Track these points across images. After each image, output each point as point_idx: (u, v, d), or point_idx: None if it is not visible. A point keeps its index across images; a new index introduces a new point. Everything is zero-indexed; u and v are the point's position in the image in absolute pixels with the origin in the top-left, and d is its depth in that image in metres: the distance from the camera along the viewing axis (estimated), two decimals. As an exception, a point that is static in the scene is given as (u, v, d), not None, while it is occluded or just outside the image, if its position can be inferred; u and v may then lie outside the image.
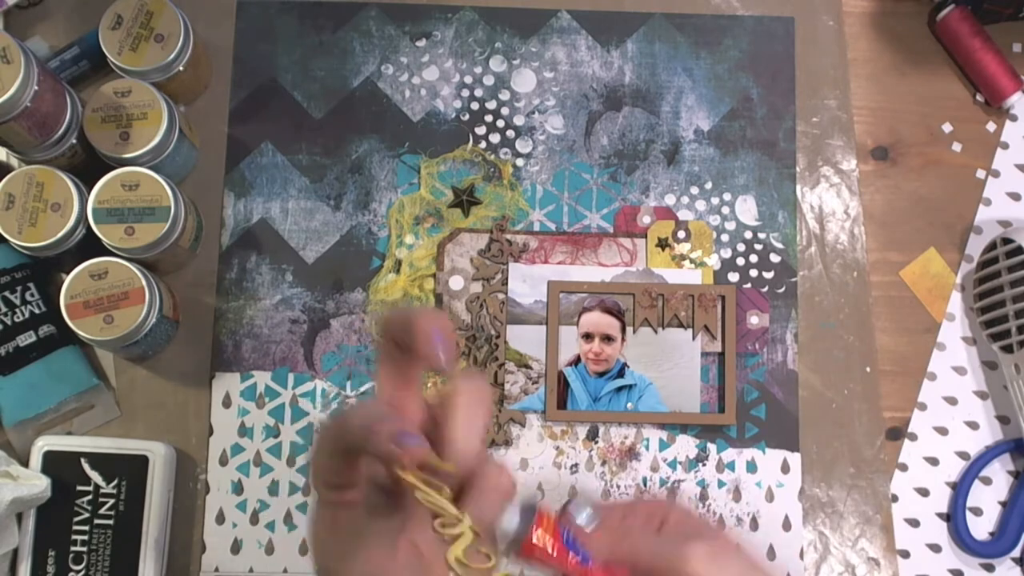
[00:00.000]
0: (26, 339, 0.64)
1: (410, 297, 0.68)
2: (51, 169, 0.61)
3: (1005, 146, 0.71)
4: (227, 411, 0.66)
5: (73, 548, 0.62)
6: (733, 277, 0.69)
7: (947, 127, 0.71)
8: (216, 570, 0.65)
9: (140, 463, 0.63)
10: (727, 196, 0.70)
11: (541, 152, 0.70)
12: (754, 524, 0.66)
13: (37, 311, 0.64)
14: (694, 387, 0.67)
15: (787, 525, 0.66)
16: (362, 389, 0.67)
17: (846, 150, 0.70)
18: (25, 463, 0.63)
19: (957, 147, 0.71)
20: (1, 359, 0.63)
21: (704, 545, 0.41)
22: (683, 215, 0.69)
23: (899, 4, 0.73)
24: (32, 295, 0.64)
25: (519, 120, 0.70)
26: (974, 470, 0.66)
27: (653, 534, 0.44)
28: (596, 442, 0.66)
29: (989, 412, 0.68)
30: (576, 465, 0.66)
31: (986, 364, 0.68)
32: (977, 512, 0.66)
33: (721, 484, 0.66)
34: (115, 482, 0.63)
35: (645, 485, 0.66)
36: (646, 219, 0.69)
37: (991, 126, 0.71)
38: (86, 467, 0.63)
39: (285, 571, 0.65)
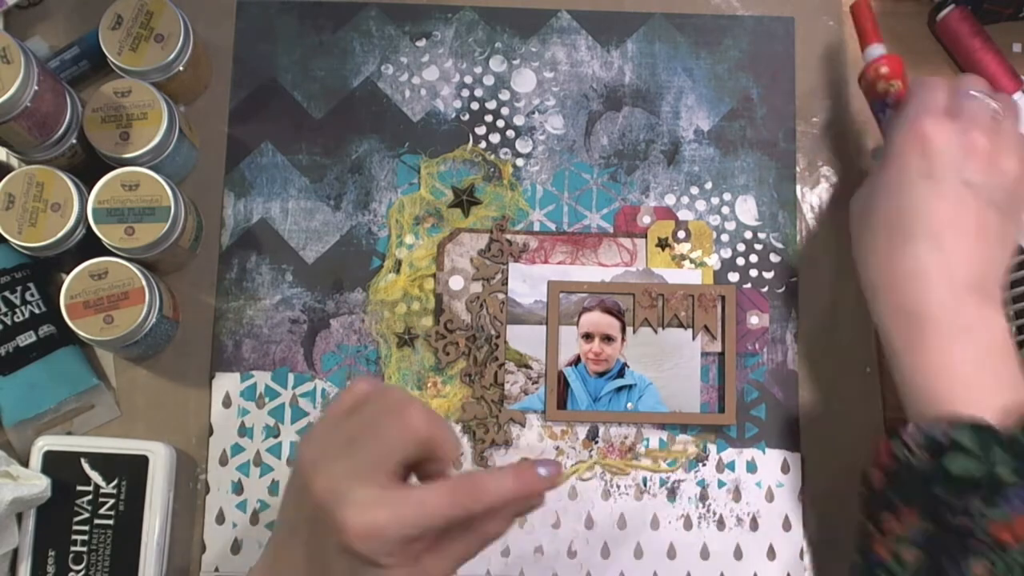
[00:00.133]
0: (26, 339, 0.64)
1: (410, 297, 0.68)
2: (51, 169, 0.61)
3: (1005, 146, 0.71)
4: (227, 411, 0.66)
5: (73, 548, 0.62)
6: (733, 277, 0.69)
7: (947, 127, 0.71)
8: (216, 570, 0.65)
9: (140, 463, 0.63)
10: (727, 196, 0.70)
11: (541, 152, 0.70)
12: (754, 524, 0.66)
13: (37, 311, 0.64)
14: (694, 387, 0.67)
15: (787, 525, 0.66)
16: (362, 389, 0.67)
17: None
18: (25, 463, 0.63)
19: (957, 147, 0.71)
20: (1, 359, 0.63)
21: None
22: (683, 215, 0.69)
23: (899, 4, 0.73)
24: (32, 295, 0.64)
25: (519, 120, 0.70)
26: (974, 470, 0.66)
27: None
28: (596, 442, 0.66)
29: (989, 412, 0.67)
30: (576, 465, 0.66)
31: (986, 364, 0.68)
32: (977, 512, 0.66)
33: (721, 484, 0.66)
34: (115, 482, 0.63)
35: (645, 485, 0.66)
36: (646, 219, 0.69)
37: (991, 126, 0.71)
38: (86, 467, 0.63)
39: (285, 571, 0.65)
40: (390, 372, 0.67)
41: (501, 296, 0.68)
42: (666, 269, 0.68)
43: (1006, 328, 0.55)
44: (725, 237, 0.69)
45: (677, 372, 0.67)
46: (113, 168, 0.62)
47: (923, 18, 0.72)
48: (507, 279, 0.68)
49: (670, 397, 0.67)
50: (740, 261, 0.69)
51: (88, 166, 0.65)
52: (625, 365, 0.67)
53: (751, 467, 0.66)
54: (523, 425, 0.66)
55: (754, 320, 0.68)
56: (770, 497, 0.66)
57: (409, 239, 0.68)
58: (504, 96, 0.71)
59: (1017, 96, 0.69)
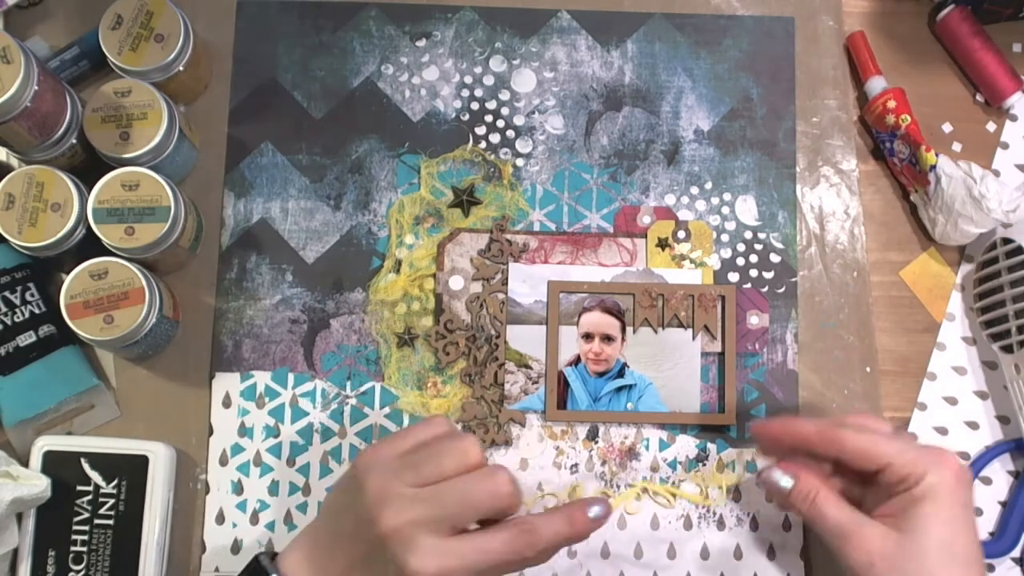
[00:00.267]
0: (26, 339, 0.64)
1: (410, 297, 0.68)
2: (51, 169, 0.61)
3: (1005, 146, 0.71)
4: (227, 411, 0.66)
5: (73, 548, 0.62)
6: (733, 277, 0.69)
7: (947, 127, 0.71)
8: (216, 570, 0.65)
9: (140, 463, 0.63)
10: (727, 196, 0.70)
11: (541, 152, 0.70)
12: (754, 524, 0.66)
13: (37, 311, 0.64)
14: (694, 387, 0.67)
15: (787, 525, 0.66)
16: (362, 389, 0.67)
17: (846, 150, 0.71)
18: (25, 463, 0.63)
19: (957, 147, 0.71)
20: (1, 359, 0.63)
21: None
22: (683, 215, 0.69)
23: (899, 4, 0.73)
24: (32, 295, 0.64)
25: (519, 120, 0.70)
26: (974, 470, 0.66)
27: None
28: (596, 442, 0.66)
29: (989, 412, 0.68)
30: (576, 465, 0.66)
31: (986, 364, 0.68)
32: (977, 512, 0.66)
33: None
34: (115, 482, 0.63)
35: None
36: (646, 219, 0.69)
37: (991, 126, 0.71)
38: (86, 467, 0.63)
39: (285, 571, 0.65)
40: (390, 372, 0.67)
41: (501, 296, 0.68)
42: (666, 269, 0.68)
43: None
44: (725, 237, 0.69)
45: (677, 372, 0.67)
46: (113, 168, 0.62)
47: (923, 18, 0.72)
48: (507, 279, 0.68)
49: (670, 397, 0.67)
50: (740, 261, 0.69)
51: (88, 166, 0.65)
52: (625, 365, 0.67)
53: (751, 467, 0.66)
54: (523, 425, 0.66)
55: (754, 320, 0.68)
56: (771, 496, 0.66)
57: (409, 239, 0.68)
58: (504, 96, 0.71)
59: (1017, 96, 0.70)
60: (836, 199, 0.70)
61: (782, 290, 0.69)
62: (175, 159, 0.65)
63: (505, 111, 0.70)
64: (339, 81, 0.70)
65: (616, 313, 0.67)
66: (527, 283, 0.68)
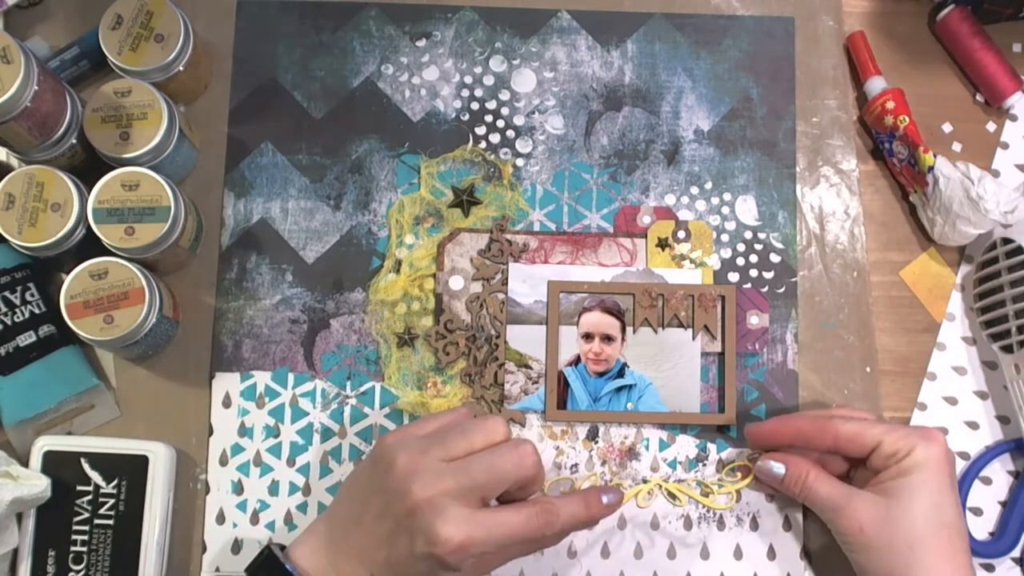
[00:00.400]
0: (26, 339, 0.64)
1: (410, 297, 0.68)
2: (51, 169, 0.61)
3: (1005, 146, 0.71)
4: (227, 411, 0.66)
5: (73, 548, 0.62)
6: (733, 277, 0.69)
7: (947, 127, 0.71)
8: (216, 570, 0.65)
9: (140, 463, 0.63)
10: (727, 196, 0.70)
11: (541, 152, 0.70)
12: (754, 524, 0.66)
13: (37, 311, 0.64)
14: (694, 387, 0.67)
15: (787, 525, 0.66)
16: (362, 389, 0.67)
17: (846, 150, 0.71)
18: (25, 463, 0.63)
19: (957, 147, 0.71)
20: (1, 359, 0.63)
21: None
22: (683, 215, 0.69)
23: (899, 4, 0.73)
24: (32, 295, 0.64)
25: (519, 120, 0.70)
26: (974, 470, 0.66)
27: None
28: (596, 442, 0.66)
29: (989, 412, 0.68)
30: (576, 465, 0.66)
31: (986, 364, 0.68)
32: (977, 512, 0.66)
33: (721, 484, 0.66)
34: (115, 482, 0.63)
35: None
36: (646, 219, 0.69)
37: (991, 126, 0.71)
38: (86, 467, 0.63)
39: (285, 571, 0.65)
40: (390, 372, 0.67)
41: (501, 296, 0.68)
42: (666, 269, 0.68)
43: None
44: (725, 237, 0.69)
45: (677, 372, 0.67)
46: (113, 168, 0.62)
47: (923, 18, 0.72)
48: (507, 279, 0.68)
49: (670, 397, 0.67)
50: (740, 261, 0.69)
51: (88, 166, 0.65)
52: (625, 365, 0.67)
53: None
54: (523, 425, 0.66)
55: (754, 320, 0.68)
56: (770, 497, 0.66)
57: (409, 239, 0.68)
58: (504, 96, 0.71)
59: (1017, 96, 0.70)
60: (836, 199, 0.70)
61: (782, 290, 0.69)
62: (175, 159, 0.65)
63: (505, 111, 0.70)
64: (339, 81, 0.70)
65: (616, 313, 0.67)
66: (527, 283, 0.68)
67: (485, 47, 0.71)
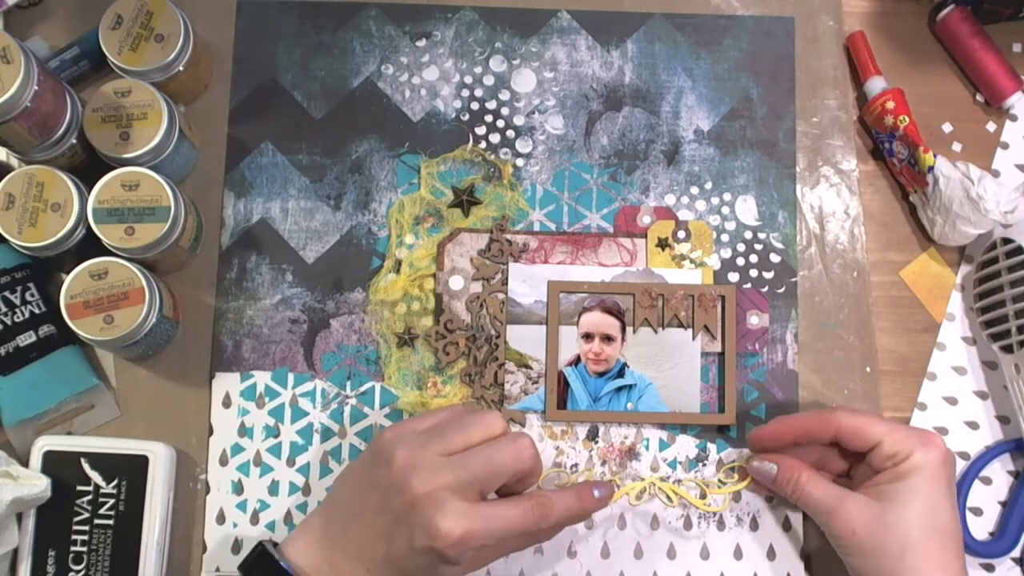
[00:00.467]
0: (26, 339, 0.64)
1: (410, 297, 0.68)
2: (51, 169, 0.61)
3: (1005, 146, 0.71)
4: (227, 411, 0.66)
5: (73, 548, 0.62)
6: (733, 277, 0.69)
7: (947, 127, 0.71)
8: (216, 570, 0.65)
9: (140, 463, 0.63)
10: (727, 196, 0.70)
11: (541, 152, 0.70)
12: (754, 524, 0.66)
13: (37, 311, 0.64)
14: (694, 387, 0.67)
15: (787, 525, 0.66)
16: (362, 389, 0.67)
17: (846, 150, 0.71)
18: (25, 463, 0.63)
19: (957, 147, 0.71)
20: (1, 359, 0.63)
21: None
22: (683, 215, 0.69)
23: (899, 4, 0.73)
24: (32, 295, 0.64)
25: (519, 120, 0.70)
26: (974, 470, 0.66)
27: None
28: (596, 442, 0.66)
29: (989, 412, 0.68)
30: (576, 465, 0.66)
31: (986, 364, 0.68)
32: (977, 512, 0.66)
33: (721, 484, 0.66)
34: (115, 482, 0.63)
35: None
36: (646, 219, 0.69)
37: (991, 126, 0.71)
38: (86, 467, 0.63)
39: (285, 571, 0.65)
40: (390, 372, 0.67)
41: (501, 296, 0.68)
42: (666, 269, 0.68)
43: None
44: (725, 237, 0.69)
45: (677, 372, 0.67)
46: (113, 168, 0.62)
47: (923, 18, 0.72)
48: (507, 279, 0.68)
49: (670, 397, 0.67)
50: (740, 261, 0.69)
51: (88, 166, 0.65)
52: (625, 365, 0.67)
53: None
54: (523, 425, 0.66)
55: (754, 320, 0.68)
56: (770, 497, 0.66)
57: (409, 239, 0.68)
58: (504, 96, 0.71)
59: (1017, 96, 0.70)
60: (836, 199, 0.70)
61: (782, 290, 0.69)
62: (175, 159, 0.65)
63: (505, 111, 0.70)
64: (339, 81, 0.70)
65: (616, 313, 0.67)
66: (527, 283, 0.68)
67: (485, 47, 0.71)
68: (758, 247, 0.69)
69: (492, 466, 0.54)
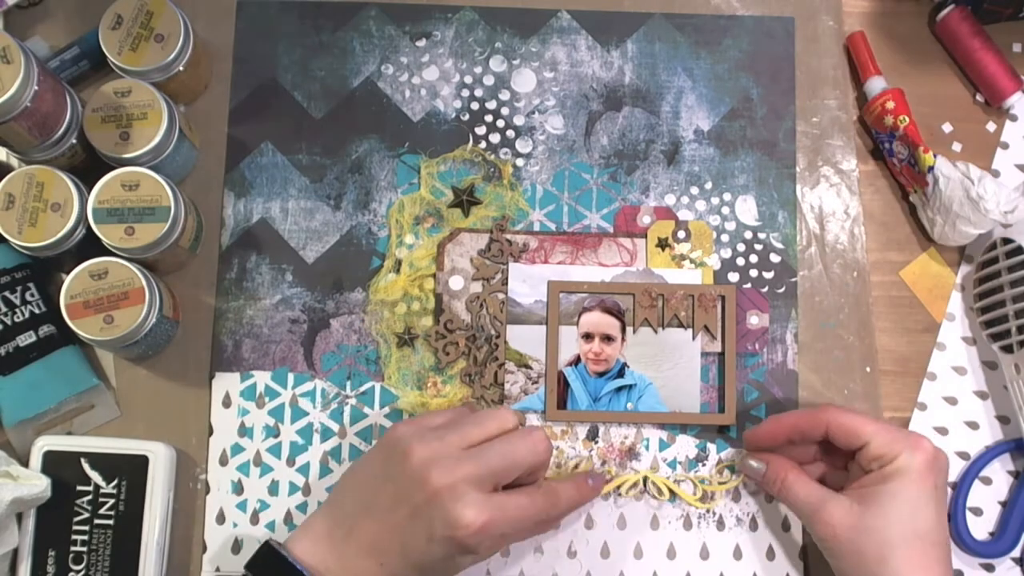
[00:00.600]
0: (26, 339, 0.64)
1: (410, 297, 0.68)
2: (51, 169, 0.61)
3: (1005, 146, 0.71)
4: (227, 411, 0.66)
5: (73, 548, 0.62)
6: (733, 277, 0.69)
7: (947, 127, 0.71)
8: (216, 570, 0.65)
9: (140, 463, 0.63)
10: (727, 196, 0.70)
11: (541, 152, 0.70)
12: (754, 524, 0.66)
13: (37, 311, 0.64)
14: (694, 387, 0.67)
15: (787, 525, 0.66)
16: (362, 389, 0.67)
17: (846, 150, 0.71)
18: (25, 463, 0.63)
19: (957, 147, 0.71)
20: (1, 359, 0.63)
21: None
22: (683, 215, 0.69)
23: (899, 4, 0.73)
24: (32, 295, 0.64)
25: (519, 120, 0.70)
26: (974, 470, 0.66)
27: None
28: (596, 442, 0.66)
29: (989, 412, 0.68)
30: (577, 466, 0.66)
31: (986, 364, 0.68)
32: (977, 512, 0.66)
33: (724, 482, 0.66)
34: (115, 482, 0.63)
35: (645, 485, 0.66)
36: (646, 219, 0.69)
37: (991, 126, 0.71)
38: (86, 467, 0.63)
39: (285, 571, 0.65)
40: (390, 372, 0.67)
41: (501, 296, 0.68)
42: (666, 269, 0.68)
43: None
44: (725, 237, 0.69)
45: (677, 372, 0.67)
46: (113, 168, 0.62)
47: (923, 18, 0.72)
48: (507, 279, 0.68)
49: (670, 397, 0.67)
50: (740, 261, 0.69)
51: (88, 166, 0.65)
52: (625, 365, 0.67)
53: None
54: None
55: (754, 320, 0.68)
56: (770, 497, 0.66)
57: (409, 239, 0.68)
58: (504, 96, 0.71)
59: (1017, 96, 0.70)
60: (836, 199, 0.70)
61: (782, 290, 0.69)
62: (175, 159, 0.65)
63: (505, 111, 0.70)
64: (339, 81, 0.70)
65: (616, 313, 0.67)
66: (527, 283, 0.68)
67: (485, 47, 0.71)
68: (758, 247, 0.69)
69: (510, 458, 0.55)
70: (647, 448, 0.66)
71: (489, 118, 0.70)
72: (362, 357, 0.67)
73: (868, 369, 0.68)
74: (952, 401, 0.68)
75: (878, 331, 0.68)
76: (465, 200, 0.69)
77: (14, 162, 0.65)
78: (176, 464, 0.65)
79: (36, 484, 0.61)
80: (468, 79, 0.71)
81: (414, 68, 0.71)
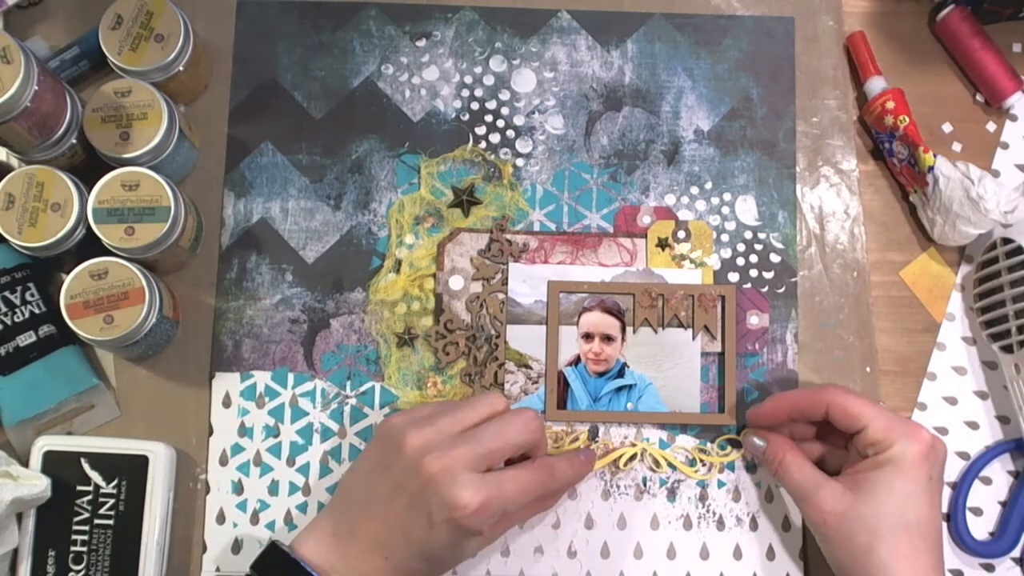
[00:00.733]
0: (26, 339, 0.64)
1: (410, 297, 0.68)
2: (51, 169, 0.61)
3: (1005, 146, 0.71)
4: (227, 411, 0.66)
5: (73, 548, 0.62)
6: (733, 277, 0.69)
7: (947, 127, 0.71)
8: (216, 570, 0.65)
9: (140, 463, 0.63)
10: (727, 196, 0.70)
11: (541, 152, 0.70)
12: (754, 524, 0.66)
13: (37, 311, 0.64)
14: (694, 387, 0.67)
15: (787, 525, 0.66)
16: (362, 389, 0.67)
17: (846, 150, 0.71)
18: (25, 463, 0.63)
19: (957, 147, 0.71)
20: (1, 359, 0.63)
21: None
22: (683, 215, 0.69)
23: (899, 4, 0.73)
24: (32, 295, 0.64)
25: (519, 120, 0.70)
26: (974, 470, 0.66)
27: None
28: (596, 442, 0.66)
29: (989, 412, 0.68)
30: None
31: (986, 364, 0.68)
32: (977, 512, 0.66)
33: (721, 484, 0.66)
34: (115, 482, 0.63)
35: (645, 485, 0.66)
36: (646, 219, 0.69)
37: (991, 126, 0.71)
38: (86, 467, 0.63)
39: (285, 571, 0.65)
40: (390, 372, 0.67)
41: (501, 296, 0.68)
42: (666, 269, 0.68)
43: None
44: (725, 237, 0.69)
45: (677, 372, 0.67)
46: (113, 168, 0.62)
47: (923, 18, 0.72)
48: (507, 279, 0.68)
49: (670, 397, 0.67)
50: (740, 261, 0.69)
51: (88, 166, 0.65)
52: (625, 365, 0.67)
53: (751, 467, 0.66)
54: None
55: (754, 320, 0.68)
56: (770, 497, 0.66)
57: (409, 239, 0.68)
58: (504, 96, 0.71)
59: (1017, 96, 0.70)
60: (836, 199, 0.70)
61: (782, 290, 0.69)
62: (175, 159, 0.65)
63: (505, 111, 0.70)
64: (339, 81, 0.70)
65: (616, 313, 0.67)
66: (527, 283, 0.68)
67: (485, 47, 0.71)
68: (758, 247, 0.69)
69: (503, 438, 0.56)
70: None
71: (489, 118, 0.70)
72: (362, 357, 0.67)
73: (868, 369, 0.68)
74: (952, 401, 0.68)
75: (878, 331, 0.68)
76: (465, 200, 0.69)
77: (14, 162, 0.65)
78: (176, 464, 0.65)
79: (36, 484, 0.61)
80: (468, 79, 0.71)
81: (414, 68, 0.71)
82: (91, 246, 0.62)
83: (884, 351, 0.68)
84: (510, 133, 0.70)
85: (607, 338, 0.67)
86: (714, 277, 0.68)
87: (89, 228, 0.61)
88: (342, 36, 0.71)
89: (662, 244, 0.69)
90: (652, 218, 0.69)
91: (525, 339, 0.67)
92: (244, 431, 0.66)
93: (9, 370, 0.63)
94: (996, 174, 0.70)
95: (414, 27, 0.71)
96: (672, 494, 0.66)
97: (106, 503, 0.63)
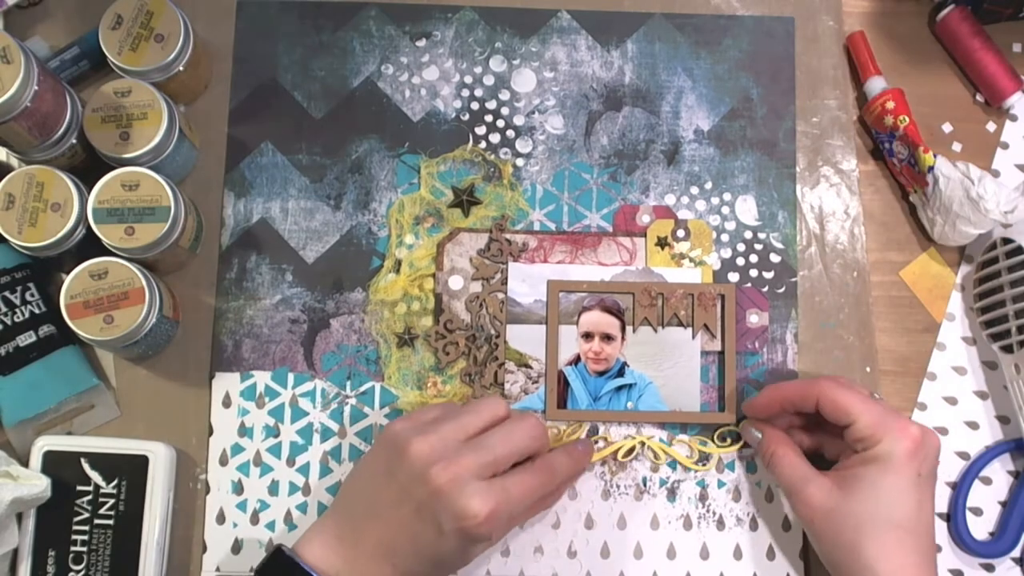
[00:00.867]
0: (26, 339, 0.64)
1: (410, 297, 0.68)
2: (51, 169, 0.61)
3: (1005, 146, 0.71)
4: (227, 411, 0.66)
5: (73, 548, 0.62)
6: (733, 277, 0.69)
7: (947, 127, 0.71)
8: (216, 570, 0.65)
9: (140, 463, 0.63)
10: (727, 196, 0.70)
11: (541, 152, 0.70)
12: (754, 524, 0.66)
13: (37, 311, 0.64)
14: (694, 386, 0.67)
15: (787, 525, 0.66)
16: (362, 389, 0.67)
17: (846, 150, 0.71)
18: (25, 463, 0.63)
19: (957, 147, 0.71)
20: (1, 359, 0.63)
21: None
22: (683, 215, 0.69)
23: (899, 4, 0.73)
24: (32, 295, 0.64)
25: (519, 120, 0.70)
26: (974, 470, 0.66)
27: None
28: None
29: (989, 412, 0.68)
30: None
31: (986, 364, 0.68)
32: (977, 512, 0.66)
33: (721, 484, 0.66)
34: (115, 482, 0.63)
35: (645, 485, 0.66)
36: (645, 218, 0.69)
37: (991, 126, 0.71)
38: (86, 467, 0.63)
39: (285, 571, 0.65)
40: (390, 372, 0.67)
41: (501, 296, 0.68)
42: (666, 268, 0.68)
43: None
44: (725, 237, 0.69)
45: (677, 371, 0.67)
46: (113, 168, 0.62)
47: (923, 18, 0.72)
48: (507, 279, 0.68)
49: (670, 396, 0.67)
50: (740, 261, 0.69)
51: (88, 166, 0.65)
52: (625, 364, 0.67)
53: (751, 467, 0.66)
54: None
55: (754, 319, 0.68)
56: (770, 497, 0.66)
57: (409, 239, 0.68)
58: (504, 96, 0.71)
59: (1017, 96, 0.70)
60: (836, 199, 0.70)
61: (782, 290, 0.69)
62: (175, 159, 0.65)
63: (505, 111, 0.70)
64: (339, 81, 0.70)
65: (616, 312, 0.67)
66: (527, 283, 0.68)
67: (485, 47, 0.71)
68: (758, 247, 0.69)
69: (509, 445, 0.56)
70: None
71: (489, 118, 0.70)
72: (362, 357, 0.67)
73: (868, 369, 0.68)
74: (952, 401, 0.68)
75: (878, 331, 0.68)
76: (465, 200, 0.69)
77: (14, 162, 0.65)
78: (176, 464, 0.65)
79: (36, 484, 0.61)
80: (468, 79, 0.71)
81: (414, 68, 0.71)
82: (91, 246, 0.62)
83: (884, 351, 0.68)
84: (510, 133, 0.70)
85: (607, 337, 0.67)
86: (714, 277, 0.68)
87: (89, 228, 0.61)
88: (342, 36, 0.71)
89: (661, 243, 0.69)
90: (651, 217, 0.69)
91: (525, 339, 0.67)
92: (244, 431, 0.66)
93: (9, 370, 0.63)
94: (996, 174, 0.70)
95: (414, 27, 0.71)
96: (672, 494, 0.66)
97: (106, 503, 0.63)
